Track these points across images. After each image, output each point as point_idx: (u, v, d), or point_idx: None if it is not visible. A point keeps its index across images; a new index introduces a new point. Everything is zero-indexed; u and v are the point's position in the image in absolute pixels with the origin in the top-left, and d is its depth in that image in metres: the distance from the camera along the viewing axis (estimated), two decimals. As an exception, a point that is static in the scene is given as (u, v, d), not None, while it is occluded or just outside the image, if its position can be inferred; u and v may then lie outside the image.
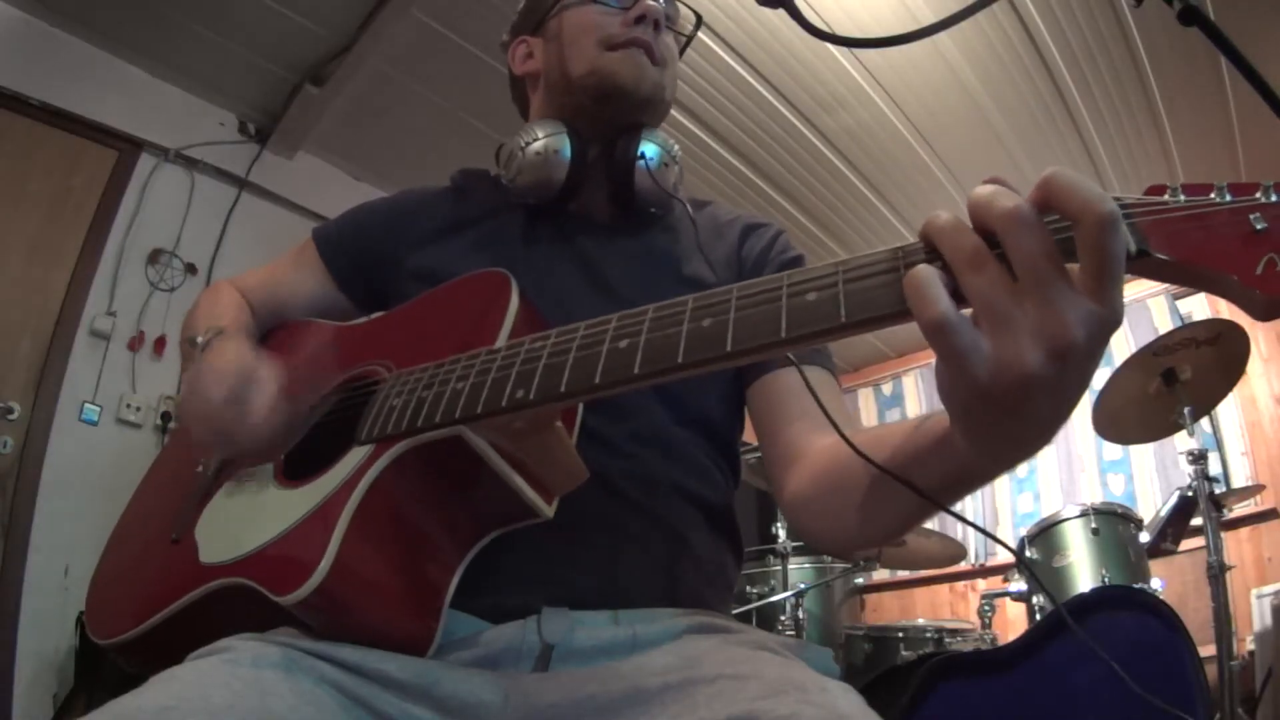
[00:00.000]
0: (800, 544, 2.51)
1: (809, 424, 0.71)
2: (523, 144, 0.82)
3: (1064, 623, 1.46)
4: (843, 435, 0.59)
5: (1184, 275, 0.39)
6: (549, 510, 0.60)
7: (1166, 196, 0.40)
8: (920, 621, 2.27)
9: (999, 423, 0.42)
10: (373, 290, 0.89)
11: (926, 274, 0.38)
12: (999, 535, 3.61)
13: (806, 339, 0.42)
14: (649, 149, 0.83)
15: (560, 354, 0.51)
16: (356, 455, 0.59)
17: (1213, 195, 0.40)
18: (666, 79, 0.86)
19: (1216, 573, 1.89)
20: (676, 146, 0.86)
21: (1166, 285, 3.39)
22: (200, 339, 0.76)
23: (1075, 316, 0.37)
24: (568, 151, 0.81)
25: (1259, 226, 0.38)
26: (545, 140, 0.82)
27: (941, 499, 0.52)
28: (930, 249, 0.41)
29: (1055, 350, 0.37)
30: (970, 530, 3.54)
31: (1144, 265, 0.39)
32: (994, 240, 0.39)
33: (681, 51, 0.93)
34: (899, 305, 0.40)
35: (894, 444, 0.54)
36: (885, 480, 0.54)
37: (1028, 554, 2.15)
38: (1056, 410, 0.40)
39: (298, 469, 0.63)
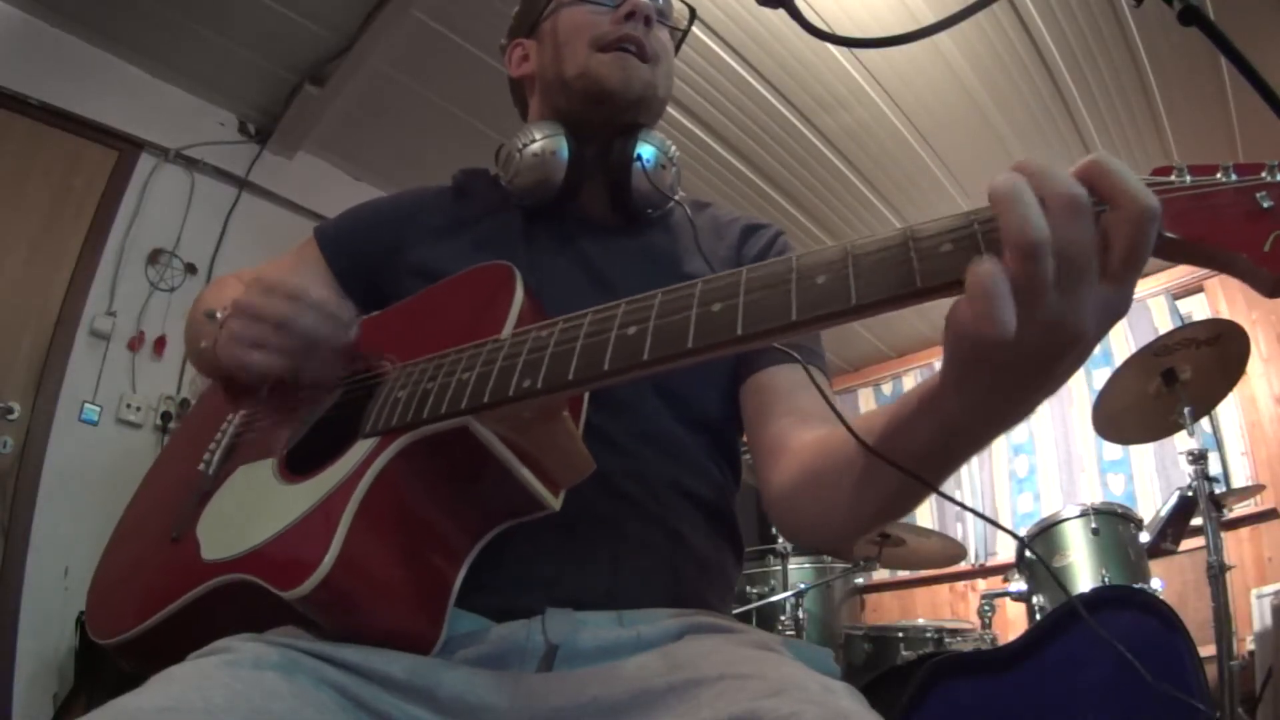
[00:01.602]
0: (800, 544, 2.52)
1: (794, 420, 0.72)
2: (520, 145, 0.83)
3: (1064, 623, 1.46)
4: (843, 421, 0.59)
5: (1192, 254, 0.40)
6: (556, 502, 0.60)
7: (1173, 177, 0.41)
8: (920, 621, 2.27)
9: (996, 385, 0.44)
10: (373, 288, 0.89)
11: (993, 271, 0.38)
12: (999, 534, 3.60)
13: (818, 321, 0.42)
14: (646, 150, 0.83)
15: (567, 341, 0.50)
16: (361, 448, 0.58)
17: (1219, 175, 0.40)
18: (659, 76, 0.86)
19: (1216, 573, 1.89)
20: (674, 147, 0.86)
21: (1166, 285, 3.39)
22: (220, 313, 0.75)
23: (1094, 306, 0.39)
24: (565, 152, 0.82)
25: (1265, 205, 0.38)
26: (543, 141, 0.82)
27: (927, 474, 0.52)
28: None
29: (1068, 338, 0.39)
30: (970, 530, 3.55)
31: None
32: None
33: (678, 46, 0.93)
34: (909, 286, 0.40)
35: (879, 424, 0.55)
36: (867, 466, 0.55)
37: (1028, 555, 2.15)
38: (1051, 382, 0.43)
39: (301, 464, 0.63)
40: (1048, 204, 0.38)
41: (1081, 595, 1.79)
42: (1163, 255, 0.40)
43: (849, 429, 0.56)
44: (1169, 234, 0.39)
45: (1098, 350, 0.44)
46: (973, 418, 0.47)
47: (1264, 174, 0.39)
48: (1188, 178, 0.40)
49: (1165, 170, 0.41)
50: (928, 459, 0.52)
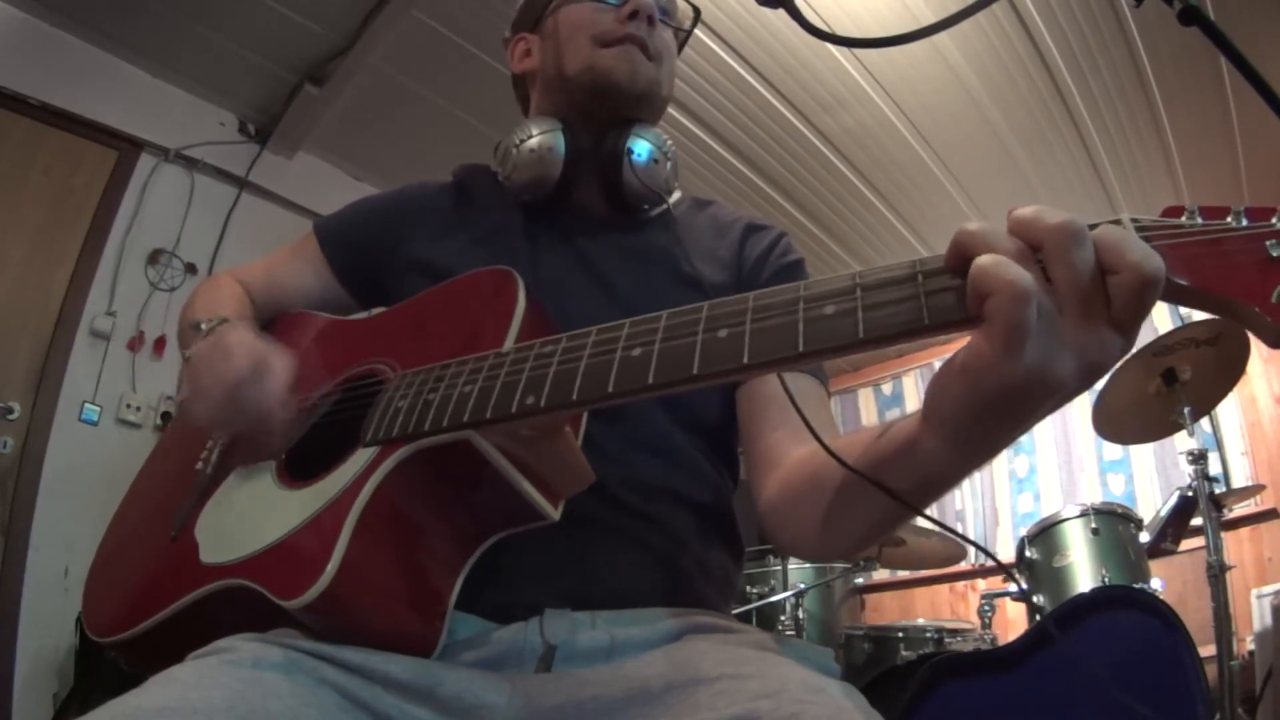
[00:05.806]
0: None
1: (788, 433, 0.71)
2: (517, 141, 0.83)
3: (1063, 623, 1.46)
4: (820, 440, 0.58)
5: (1199, 300, 0.39)
6: (555, 513, 0.60)
7: (1183, 219, 0.41)
8: (920, 621, 2.27)
9: (994, 427, 0.42)
10: (371, 283, 0.89)
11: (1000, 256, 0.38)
12: (999, 534, 3.61)
13: (824, 354, 0.42)
14: (639, 145, 0.82)
15: (571, 360, 0.50)
16: (361, 457, 0.58)
17: (1229, 219, 0.40)
18: (663, 74, 0.86)
19: (1216, 573, 1.89)
20: (670, 143, 0.86)
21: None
22: (204, 325, 0.75)
23: (1108, 337, 0.38)
24: (562, 149, 0.82)
25: (1275, 254, 0.38)
26: (540, 137, 0.82)
27: (912, 502, 0.52)
28: (957, 261, 0.40)
29: (1088, 368, 0.38)
30: (970, 531, 3.55)
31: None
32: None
33: (681, 46, 0.93)
34: (918, 322, 0.40)
35: (859, 452, 0.54)
36: (853, 489, 0.54)
37: (1028, 554, 2.15)
38: (1044, 416, 0.42)
39: (299, 468, 0.63)
40: (1041, 236, 0.38)
41: (1080, 596, 1.79)
42: (1170, 299, 0.40)
43: (836, 458, 0.55)
44: (1178, 280, 0.39)
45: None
46: (962, 463, 0.47)
47: (1275, 220, 0.39)
48: (1199, 220, 0.40)
49: (1176, 211, 0.41)
50: (910, 491, 0.51)
